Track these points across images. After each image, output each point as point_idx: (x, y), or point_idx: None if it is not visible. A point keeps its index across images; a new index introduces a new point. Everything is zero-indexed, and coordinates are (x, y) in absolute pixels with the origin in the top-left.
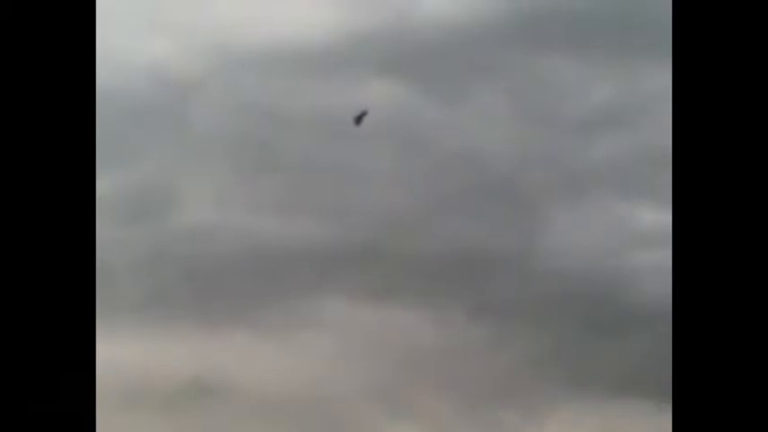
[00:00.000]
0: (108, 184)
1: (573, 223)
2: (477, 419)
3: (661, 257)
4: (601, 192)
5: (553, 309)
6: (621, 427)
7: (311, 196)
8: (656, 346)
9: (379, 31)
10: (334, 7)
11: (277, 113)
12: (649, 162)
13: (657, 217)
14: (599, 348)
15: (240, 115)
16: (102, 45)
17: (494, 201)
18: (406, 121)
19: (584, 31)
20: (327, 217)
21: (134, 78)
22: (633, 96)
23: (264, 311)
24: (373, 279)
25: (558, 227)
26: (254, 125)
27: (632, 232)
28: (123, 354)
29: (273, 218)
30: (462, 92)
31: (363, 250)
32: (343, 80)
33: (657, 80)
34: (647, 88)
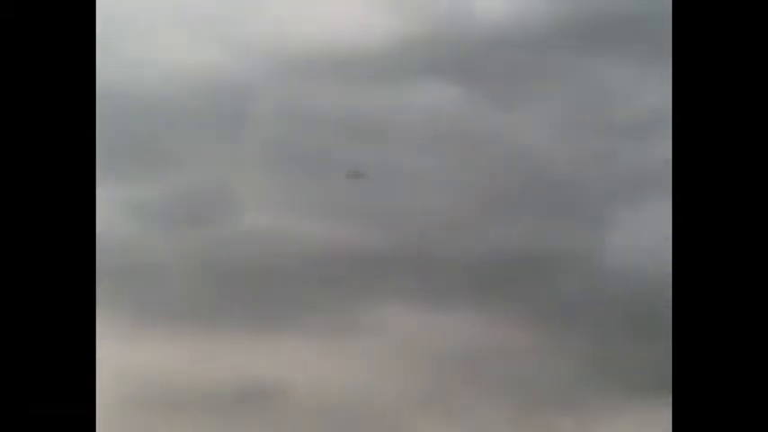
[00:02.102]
0: (161, 188)
1: (631, 225)
2: (531, 425)
3: None
4: (660, 193)
5: (612, 312)
6: None
7: (364, 200)
8: None
9: (433, 33)
10: (387, 10)
11: (330, 117)
12: None
13: None
14: (659, 352)
15: (293, 119)
16: (156, 51)
17: (548, 203)
18: (458, 123)
19: (639, 33)
20: (380, 221)
21: (188, 83)
22: None
23: (317, 316)
24: (427, 283)
25: (616, 229)
26: (306, 129)
27: None
28: (174, 358)
29: (327, 222)
30: (515, 94)
31: (417, 254)
32: (397, 83)
33: None
34: None
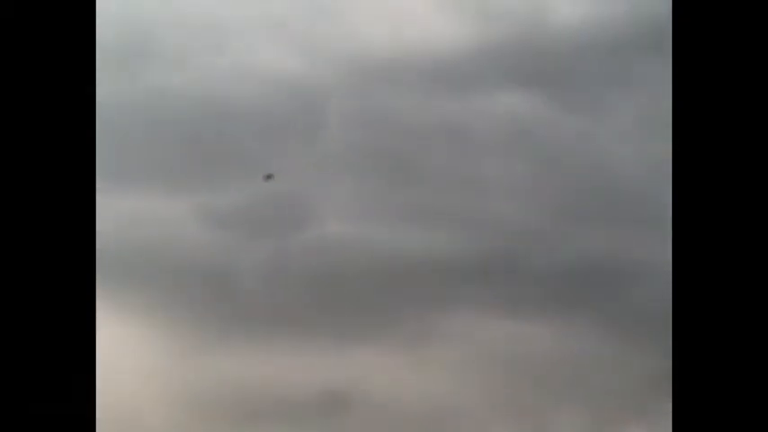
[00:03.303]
0: (240, 196)
1: None
2: None
3: None
4: None
5: None
6: None
7: (441, 208)
8: None
9: (511, 42)
10: (465, 18)
11: (408, 125)
12: None
13: None
14: None
15: (371, 127)
16: (235, 58)
17: (625, 212)
18: (536, 131)
19: None
20: (457, 228)
21: (266, 91)
22: None
23: (394, 324)
24: (502, 291)
25: None
26: (384, 137)
27: None
28: (251, 366)
29: (404, 230)
30: (594, 102)
31: (493, 262)
32: (475, 91)
33: None
34: None
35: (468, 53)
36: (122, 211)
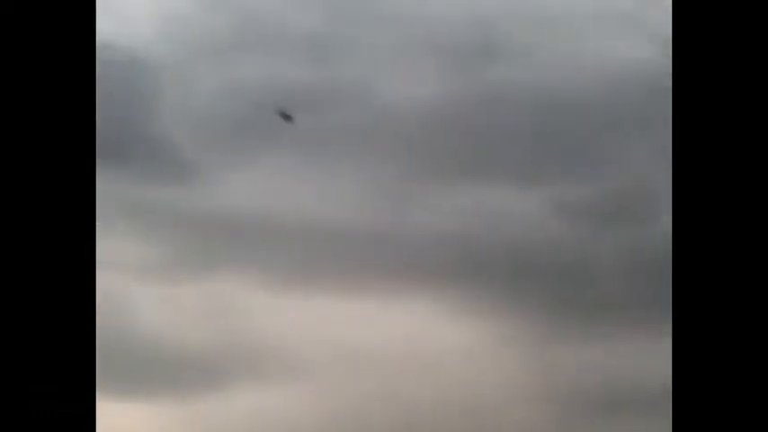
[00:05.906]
0: (590, 188)
1: None
2: None
3: None
4: None
5: None
6: None
7: None
8: None
9: None
10: None
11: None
12: None
13: None
14: None
15: None
16: (579, 51)
17: None
18: None
19: None
20: None
21: (611, 83)
22: None
23: None
24: None
25: None
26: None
27: None
28: (610, 357)
29: None
30: None
31: None
32: None
33: None
34: None
35: None
36: (477, 206)
